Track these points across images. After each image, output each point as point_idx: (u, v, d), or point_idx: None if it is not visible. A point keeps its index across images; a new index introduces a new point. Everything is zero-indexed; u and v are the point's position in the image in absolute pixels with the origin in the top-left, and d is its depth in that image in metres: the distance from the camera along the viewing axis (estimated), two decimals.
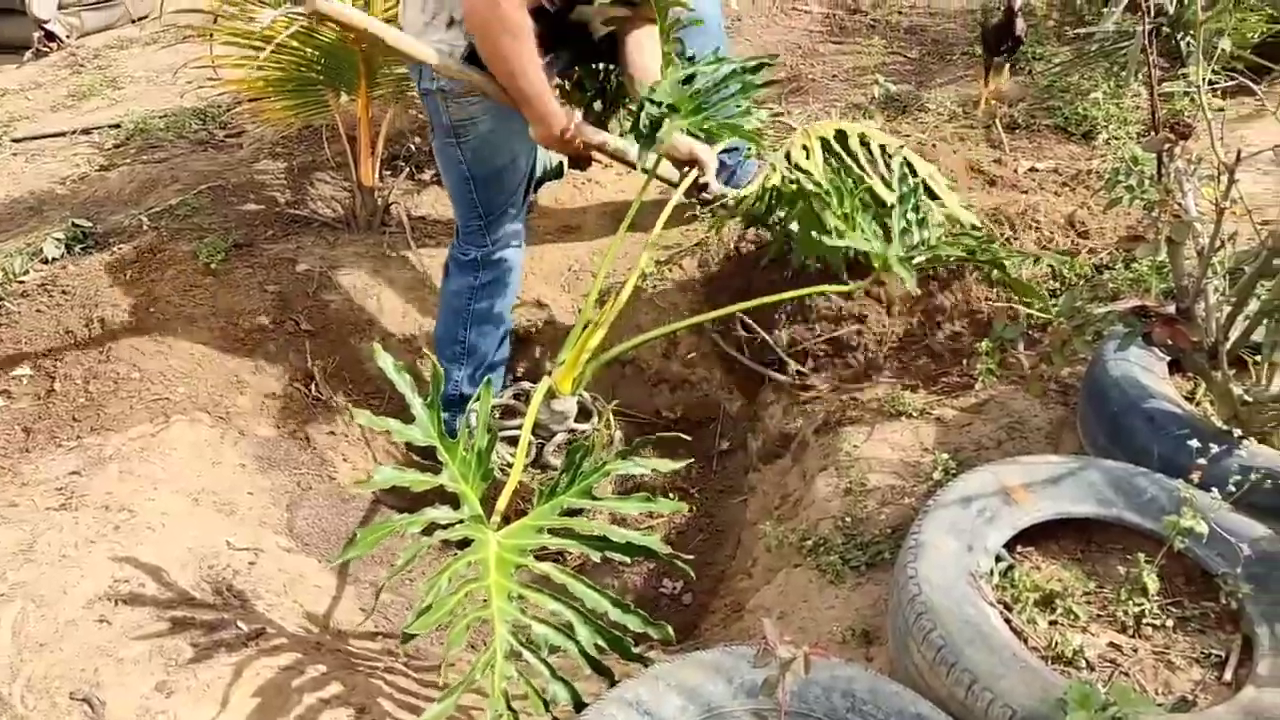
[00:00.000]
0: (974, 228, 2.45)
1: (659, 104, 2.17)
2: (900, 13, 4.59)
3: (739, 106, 2.21)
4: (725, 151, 2.84)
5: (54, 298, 2.73)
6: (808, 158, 2.42)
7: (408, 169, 3.35)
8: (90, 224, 3.10)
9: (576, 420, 2.44)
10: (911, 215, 2.22)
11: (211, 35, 2.90)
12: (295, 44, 2.82)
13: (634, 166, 2.36)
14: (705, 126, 2.24)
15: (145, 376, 2.49)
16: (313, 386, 2.67)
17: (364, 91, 2.93)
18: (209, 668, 1.67)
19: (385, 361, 1.69)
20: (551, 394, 2.32)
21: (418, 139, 3.39)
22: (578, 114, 2.28)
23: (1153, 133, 1.74)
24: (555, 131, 2.23)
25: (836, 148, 2.53)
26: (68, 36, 4.86)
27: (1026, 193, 3.04)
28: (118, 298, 2.72)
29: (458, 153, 2.37)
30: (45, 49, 4.78)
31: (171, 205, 3.17)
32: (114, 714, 1.61)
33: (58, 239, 2.97)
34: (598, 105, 2.68)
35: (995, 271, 2.35)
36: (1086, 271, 2.61)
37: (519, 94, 2.18)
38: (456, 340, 2.55)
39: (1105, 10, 3.91)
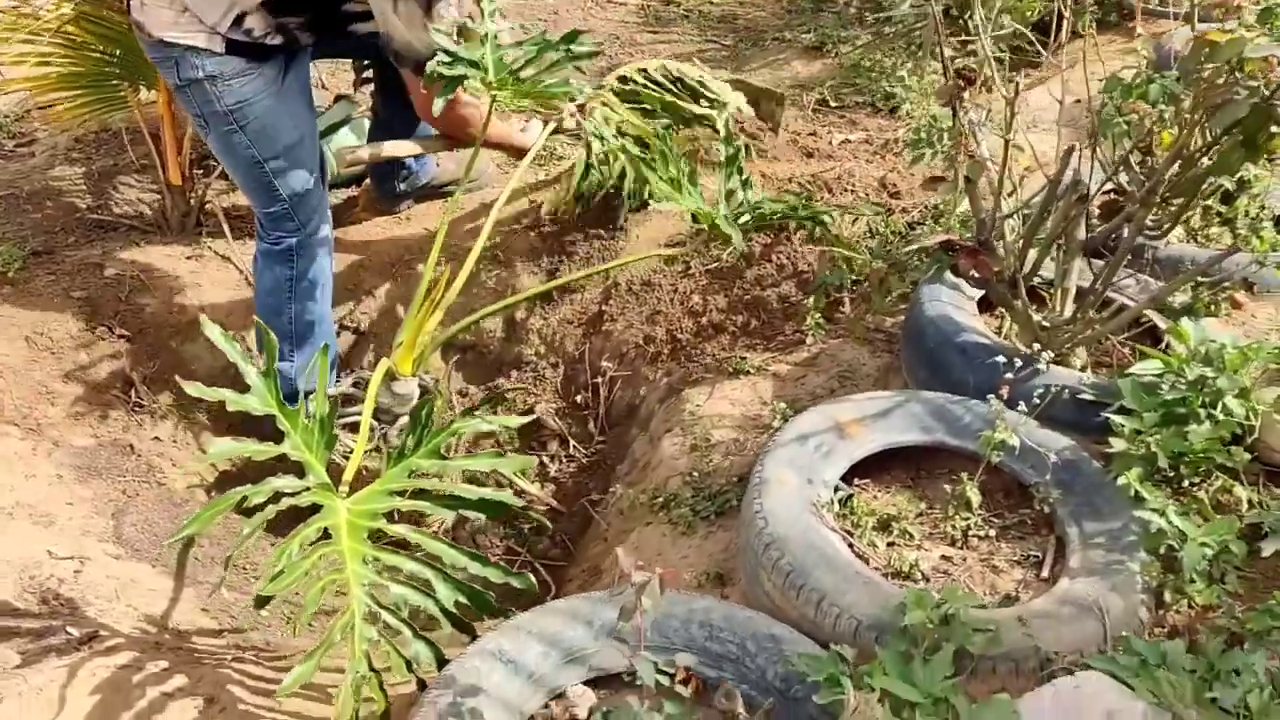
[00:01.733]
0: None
1: (460, 61, 2.17)
2: (711, 3, 4.73)
3: (556, 79, 2.24)
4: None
5: None
6: (614, 111, 2.47)
7: (220, 168, 3.21)
8: None
9: (421, 405, 2.41)
10: (736, 177, 2.30)
11: None
12: (85, 35, 2.66)
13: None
14: (524, 99, 2.26)
15: None
16: (132, 393, 2.53)
17: (165, 87, 2.80)
18: (39, 672, 1.57)
19: (213, 331, 1.63)
20: (392, 376, 2.28)
21: None
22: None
23: (944, 83, 1.86)
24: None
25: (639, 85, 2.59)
26: None
27: (841, 161, 3.20)
28: None
29: (242, 138, 2.25)
30: None
31: None
32: None
33: None
34: None
35: (817, 229, 2.45)
36: (900, 228, 2.76)
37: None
38: (284, 337, 2.44)
39: None
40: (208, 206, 3.04)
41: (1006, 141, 1.76)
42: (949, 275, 2.20)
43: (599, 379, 2.72)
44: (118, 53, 2.77)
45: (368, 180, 3.13)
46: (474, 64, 2.18)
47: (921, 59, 3.84)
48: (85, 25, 2.61)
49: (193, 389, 1.58)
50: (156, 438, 2.49)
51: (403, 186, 3.04)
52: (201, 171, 3.16)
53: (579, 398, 2.79)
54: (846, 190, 2.92)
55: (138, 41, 2.70)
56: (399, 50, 2.15)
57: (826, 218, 2.36)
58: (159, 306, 2.73)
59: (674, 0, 4.79)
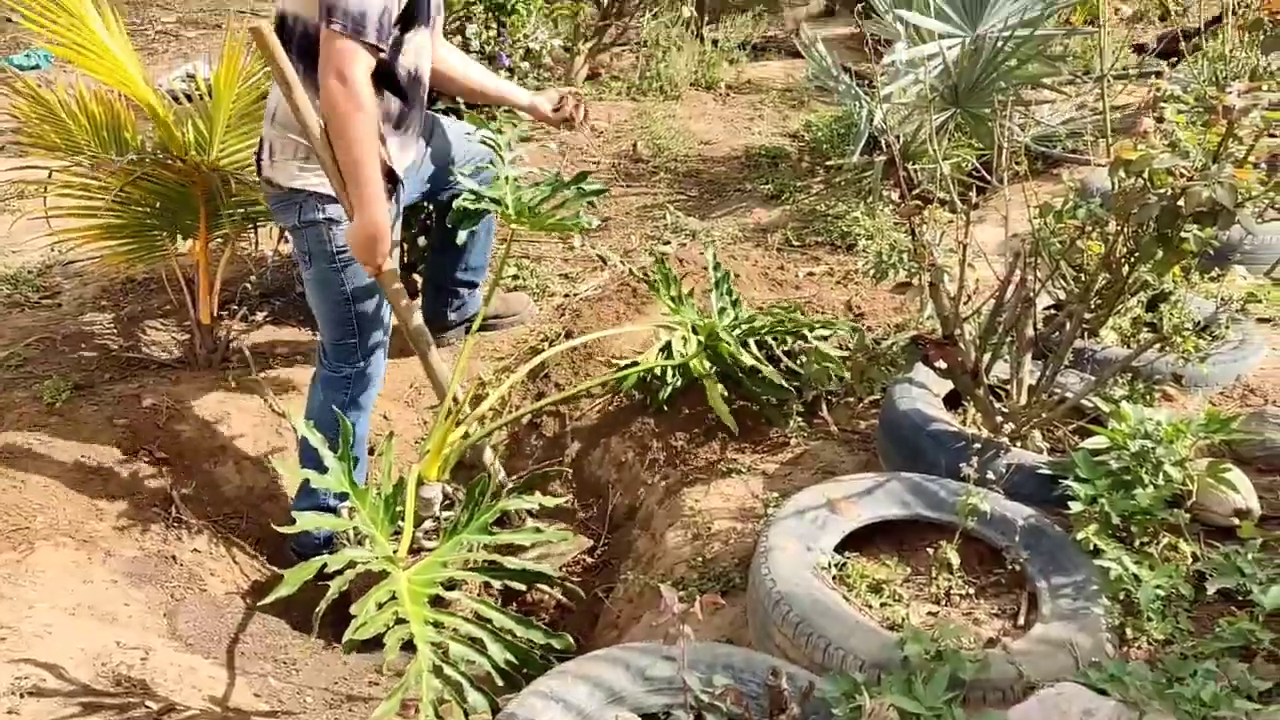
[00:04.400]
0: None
1: (485, 198, 2.49)
2: (676, 160, 5.20)
3: (569, 213, 2.57)
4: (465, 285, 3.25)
5: None
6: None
7: (242, 310, 3.49)
8: None
9: (441, 509, 2.62)
10: (726, 297, 2.62)
11: (46, 188, 3.01)
12: (137, 192, 2.98)
13: (408, 333, 2.54)
14: (538, 227, 2.59)
15: (2, 510, 2.48)
16: (172, 509, 2.72)
17: (204, 233, 3.10)
18: None
19: (298, 421, 1.86)
20: (420, 481, 2.50)
21: (252, 278, 3.55)
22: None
23: (902, 204, 2.21)
24: (375, 232, 2.27)
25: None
26: None
27: (808, 289, 3.56)
28: None
29: (340, 278, 2.49)
30: None
31: (0, 358, 3.17)
32: None
33: None
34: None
35: (799, 343, 2.77)
36: (867, 343, 3.09)
37: (360, 178, 2.25)
38: (315, 454, 2.67)
39: (849, 150, 4.65)
40: (232, 344, 3.30)
41: (963, 245, 2.10)
42: (916, 376, 2.52)
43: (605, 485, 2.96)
44: (158, 205, 3.07)
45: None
46: (497, 201, 2.51)
47: (871, 203, 4.28)
48: (139, 183, 2.92)
49: (280, 466, 1.79)
50: (195, 549, 2.66)
51: (453, 316, 3.34)
52: (226, 313, 3.43)
53: (582, 505, 3.02)
54: (816, 312, 3.26)
55: (179, 195, 3.04)
56: None
57: (807, 330, 2.68)
58: (193, 432, 2.94)
59: (642, 158, 5.25)
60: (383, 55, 2.24)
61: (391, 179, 2.45)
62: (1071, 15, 5.29)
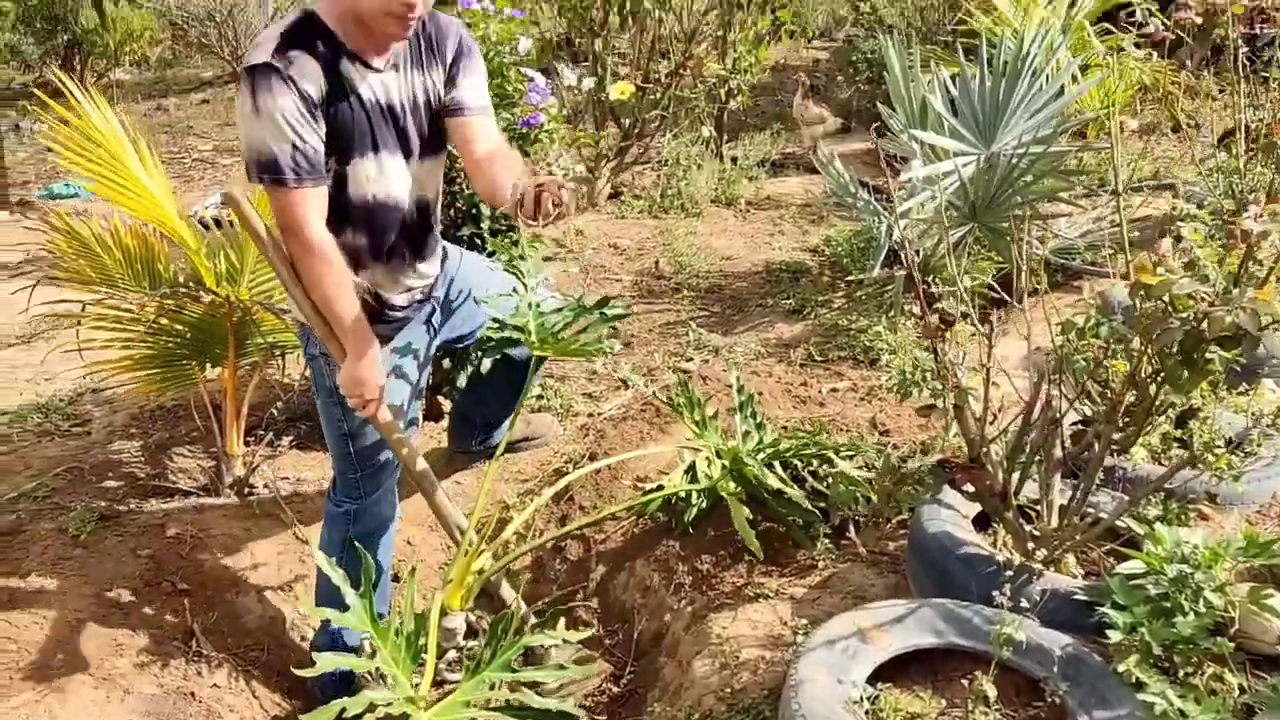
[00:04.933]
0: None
1: (507, 326, 2.52)
2: (698, 277, 5.26)
3: (591, 338, 2.59)
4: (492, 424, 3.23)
5: None
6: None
7: (268, 436, 3.52)
8: None
9: (465, 638, 2.57)
10: (750, 420, 2.61)
11: (79, 321, 3.08)
12: (165, 322, 3.04)
13: (412, 477, 2.49)
14: (561, 354, 2.60)
15: (22, 647, 2.46)
16: (193, 642, 2.69)
17: (232, 362, 3.15)
18: None
19: (320, 559, 1.85)
20: (443, 611, 2.47)
21: (279, 404, 3.58)
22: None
23: (924, 325, 2.22)
24: (363, 377, 2.24)
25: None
26: None
27: (832, 406, 3.55)
28: None
29: (339, 412, 2.48)
30: None
31: (28, 489, 3.20)
32: None
33: None
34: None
35: (824, 466, 2.74)
36: (894, 463, 3.06)
37: (337, 323, 2.24)
38: (335, 597, 2.64)
39: (868, 264, 4.70)
40: (257, 471, 3.31)
41: (987, 369, 2.09)
42: (944, 497, 2.48)
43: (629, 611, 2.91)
44: (188, 335, 3.13)
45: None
46: (520, 329, 2.54)
47: (893, 317, 4.29)
48: (169, 315, 2.98)
49: (306, 605, 1.77)
50: (215, 684, 2.62)
51: (477, 447, 3.35)
52: (252, 439, 3.45)
53: (607, 631, 2.96)
54: (840, 430, 3.24)
55: (209, 325, 3.10)
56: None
57: (832, 453, 2.65)
58: (216, 562, 2.93)
59: (665, 275, 5.32)
60: (318, 190, 2.18)
61: (379, 312, 2.44)
62: (1085, 130, 5.40)
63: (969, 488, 2.10)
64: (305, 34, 2.14)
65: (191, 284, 3.02)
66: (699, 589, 2.83)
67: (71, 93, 2.97)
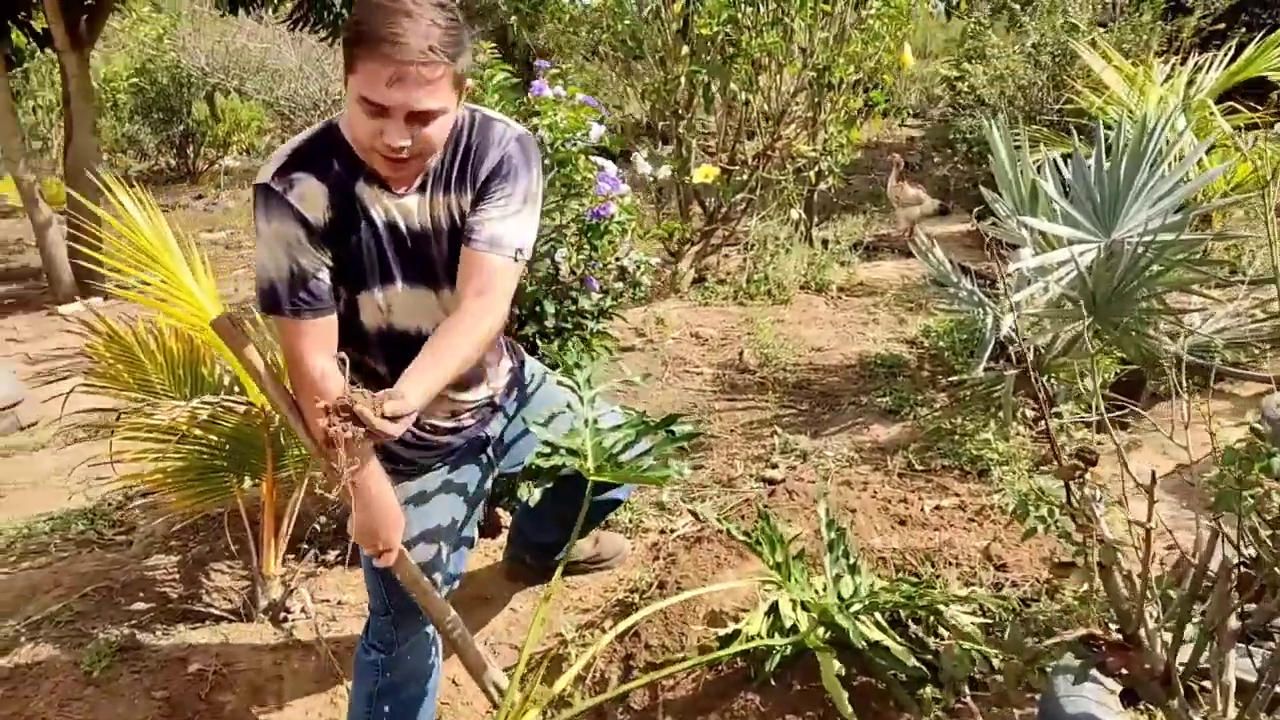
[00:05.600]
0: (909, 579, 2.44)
1: (559, 450, 2.17)
2: (786, 370, 4.88)
3: (654, 460, 2.24)
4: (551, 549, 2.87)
5: None
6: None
7: (312, 550, 3.23)
8: None
9: None
10: (843, 561, 2.21)
11: (112, 431, 2.85)
12: (199, 432, 2.79)
13: (437, 626, 2.16)
14: (620, 480, 2.25)
15: None
16: None
17: (270, 476, 2.88)
18: None
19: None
20: None
21: (322, 518, 3.30)
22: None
23: (1055, 464, 1.81)
24: (373, 530, 1.94)
25: None
26: None
27: (938, 529, 3.11)
28: None
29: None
30: None
31: (52, 612, 2.95)
32: None
33: None
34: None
35: (932, 618, 2.32)
36: (1013, 605, 2.61)
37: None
38: None
39: (972, 360, 4.26)
40: (294, 594, 3.01)
41: (1148, 531, 1.67)
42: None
43: None
44: (225, 446, 2.88)
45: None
46: (573, 452, 2.21)
47: (1003, 422, 3.84)
48: (202, 425, 2.74)
49: None
50: None
51: (533, 562, 3.03)
52: (293, 555, 3.17)
53: None
54: (949, 563, 2.80)
55: (247, 435, 2.84)
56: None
57: (942, 605, 2.23)
58: (239, 704, 2.62)
59: (749, 368, 4.96)
60: (319, 321, 1.93)
61: (415, 439, 2.16)
62: (1210, 216, 4.92)
63: (1124, 672, 1.66)
64: (319, 151, 1.89)
65: (225, 393, 2.78)
66: None
67: (117, 198, 2.79)
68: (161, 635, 2.87)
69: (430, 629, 2.27)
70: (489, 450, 2.31)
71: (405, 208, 1.95)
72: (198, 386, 2.90)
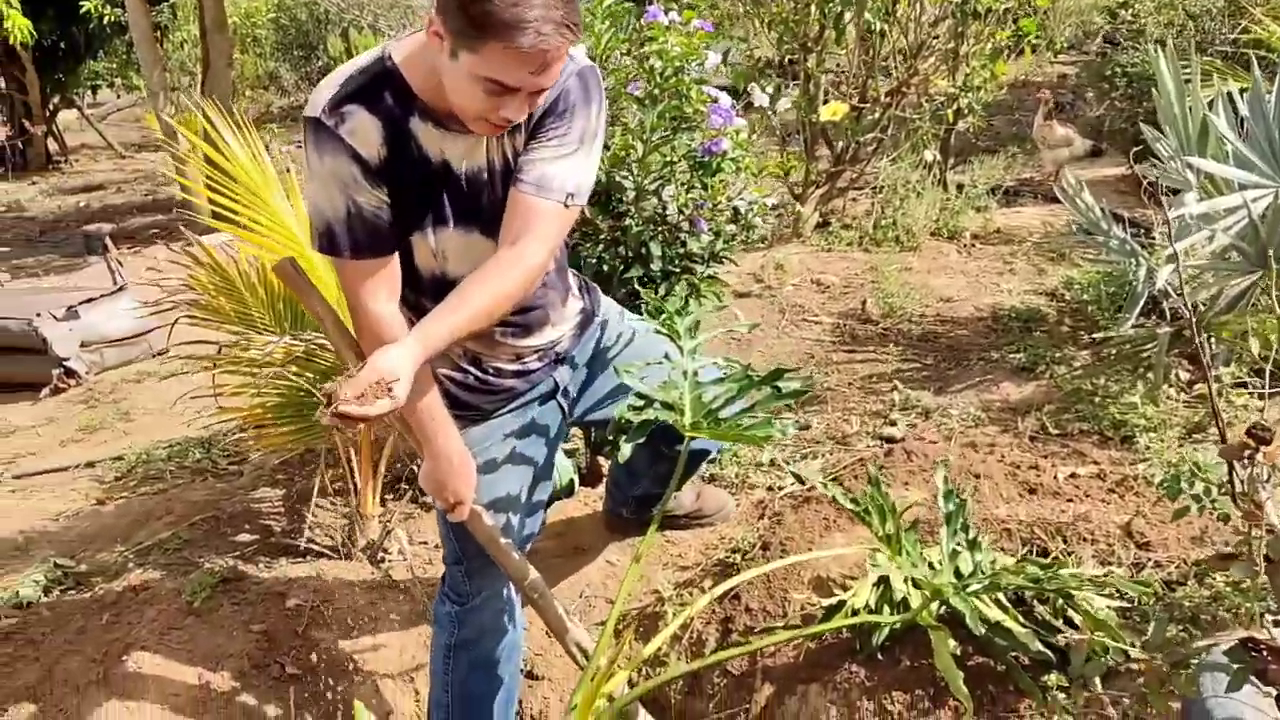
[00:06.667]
0: None
1: (653, 403, 2.02)
2: (911, 321, 4.60)
3: (756, 418, 2.06)
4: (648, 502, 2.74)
5: (18, 649, 2.49)
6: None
7: (411, 491, 3.20)
8: (73, 563, 2.91)
9: None
10: (961, 535, 2.01)
11: (215, 364, 2.85)
12: (295, 369, 2.76)
13: (515, 585, 2.07)
14: (719, 439, 2.09)
15: None
16: None
17: None
18: None
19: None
20: None
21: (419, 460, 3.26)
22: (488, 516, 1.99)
23: (1217, 434, 1.57)
24: (442, 481, 1.88)
25: None
26: (87, 373, 4.91)
27: (1072, 500, 2.84)
28: (88, 646, 2.48)
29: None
30: (63, 385, 4.82)
31: (162, 539, 3.00)
32: None
33: (36, 581, 2.78)
34: None
35: (1061, 601, 2.10)
36: (1156, 589, 2.35)
37: (405, 415, 1.85)
38: (440, 706, 2.23)
39: (1120, 315, 3.91)
40: (391, 535, 2.98)
41: None
42: None
43: None
44: (321, 384, 2.83)
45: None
46: (669, 406, 2.05)
47: (1154, 385, 3.51)
48: (298, 361, 2.70)
49: None
50: None
51: (630, 514, 2.91)
52: (392, 495, 3.14)
53: None
54: (1083, 539, 2.55)
55: (339, 374, 2.78)
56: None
57: (1076, 591, 1.99)
58: (333, 642, 2.61)
59: (871, 319, 4.70)
60: (379, 261, 1.81)
61: (481, 383, 2.04)
62: None
63: None
64: (372, 83, 1.74)
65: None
66: None
67: (211, 123, 2.74)
68: (263, 568, 2.88)
69: (506, 585, 2.18)
70: (559, 398, 2.19)
71: (461, 148, 1.81)
72: (297, 322, 2.86)
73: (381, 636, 2.67)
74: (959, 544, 2.03)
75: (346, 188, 1.75)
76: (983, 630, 1.97)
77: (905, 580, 2.11)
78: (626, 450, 2.02)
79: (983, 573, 2.01)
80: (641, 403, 2.02)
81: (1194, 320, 3.60)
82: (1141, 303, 3.73)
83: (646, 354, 2.22)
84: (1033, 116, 6.42)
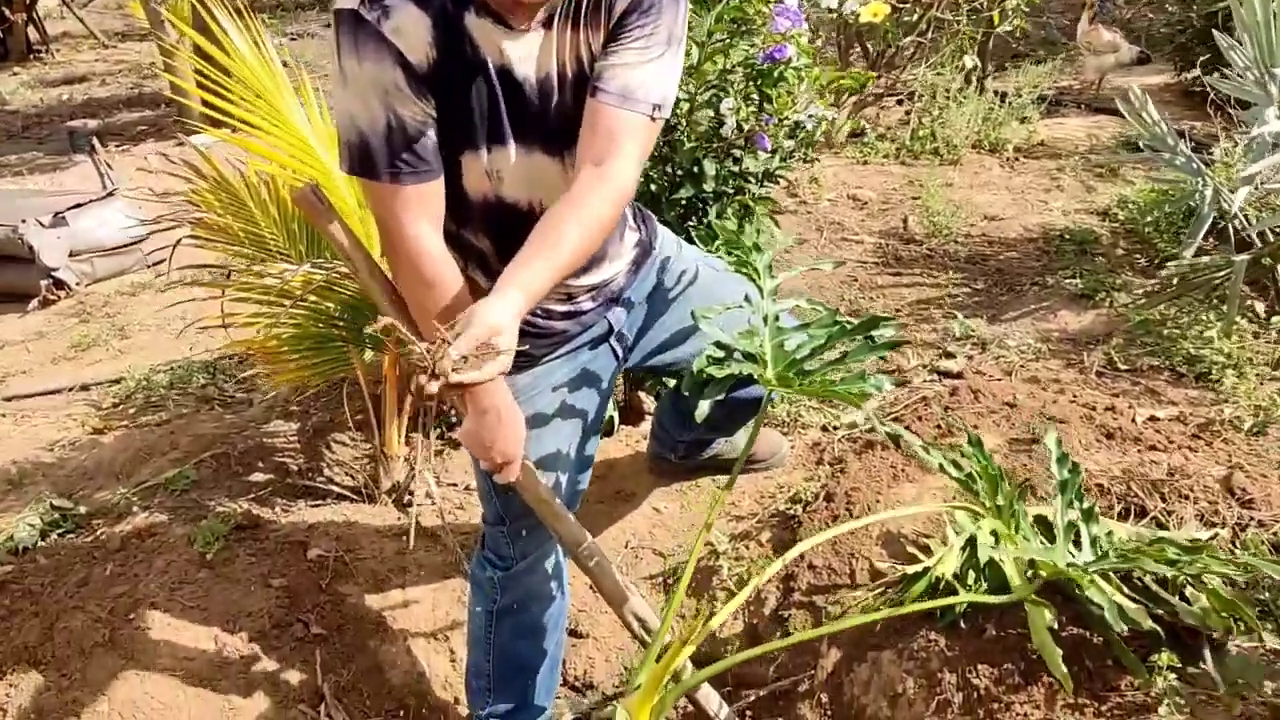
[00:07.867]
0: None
1: (734, 354, 1.77)
2: (956, 242, 4.33)
3: (848, 372, 1.82)
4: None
5: (15, 601, 2.28)
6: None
7: (439, 428, 2.96)
8: (71, 504, 2.69)
9: None
10: (1077, 505, 1.79)
11: (223, 290, 2.57)
12: (314, 298, 2.49)
13: (564, 547, 1.87)
14: (807, 394, 1.85)
15: (114, 709, 2.00)
16: (322, 708, 2.17)
17: (393, 350, 2.58)
18: None
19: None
20: None
21: None
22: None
23: None
24: (487, 439, 1.63)
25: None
26: (77, 284, 4.61)
27: (1155, 448, 2.63)
28: (91, 601, 2.27)
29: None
30: (53, 297, 4.53)
31: (168, 477, 2.77)
32: None
33: (32, 524, 2.55)
34: None
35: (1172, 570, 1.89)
36: (1264, 551, 2.15)
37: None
38: (480, 674, 2.05)
39: (1185, 239, 3.65)
40: (418, 478, 2.76)
41: None
42: None
43: None
44: (346, 315, 2.57)
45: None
46: (750, 356, 1.81)
47: (1228, 318, 3.27)
48: (319, 291, 2.43)
49: None
50: None
51: (678, 459, 2.69)
52: (419, 432, 2.91)
53: None
54: (1182, 496, 2.33)
55: (363, 304, 2.52)
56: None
57: (1217, 569, 1.77)
58: (359, 597, 2.41)
59: (915, 238, 4.43)
60: (425, 187, 1.55)
61: (527, 325, 1.77)
62: None
63: None
64: None
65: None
66: (973, 712, 2.05)
67: (213, 14, 2.41)
68: (280, 512, 2.67)
69: (553, 546, 1.96)
70: (613, 342, 1.94)
71: (524, 50, 1.53)
72: (314, 245, 2.59)
73: (412, 591, 2.47)
74: (1076, 516, 1.81)
75: (387, 96, 1.48)
76: (1113, 618, 1.75)
77: (1009, 555, 1.89)
78: (705, 408, 1.77)
79: (1101, 550, 1.79)
80: (722, 354, 1.77)
81: (1271, 248, 3.35)
82: (1205, 226, 3.48)
83: (720, 295, 1.96)
84: (1064, 20, 6.04)
